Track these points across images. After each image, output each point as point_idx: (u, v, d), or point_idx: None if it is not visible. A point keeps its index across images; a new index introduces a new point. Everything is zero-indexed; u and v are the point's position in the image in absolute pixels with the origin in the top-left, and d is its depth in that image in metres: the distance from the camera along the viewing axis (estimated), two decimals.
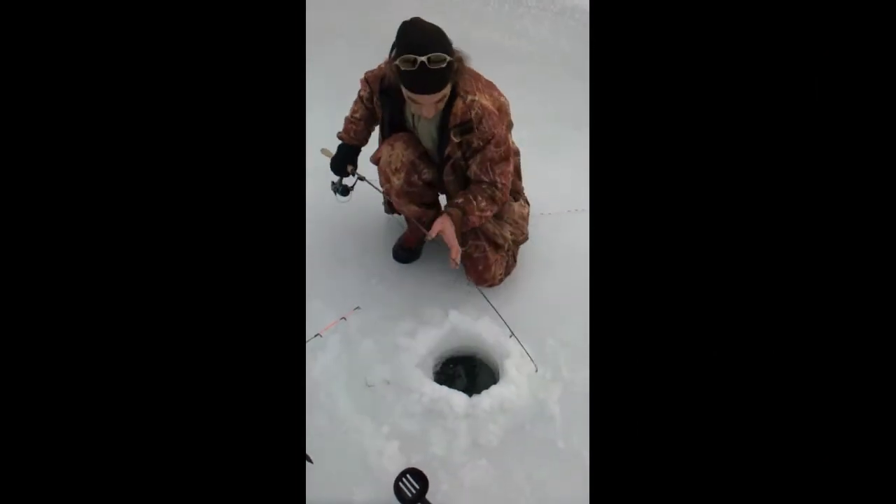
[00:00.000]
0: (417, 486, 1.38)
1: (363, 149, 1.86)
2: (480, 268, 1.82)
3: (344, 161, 1.80)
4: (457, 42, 1.47)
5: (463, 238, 1.82)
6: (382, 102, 1.68)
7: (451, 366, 1.80)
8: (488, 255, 1.80)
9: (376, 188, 1.80)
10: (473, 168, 1.62)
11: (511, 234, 1.81)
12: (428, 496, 1.38)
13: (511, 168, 1.67)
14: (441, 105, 1.52)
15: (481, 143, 1.57)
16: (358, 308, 1.83)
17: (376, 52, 1.76)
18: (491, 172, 1.61)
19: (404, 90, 1.48)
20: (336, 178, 1.82)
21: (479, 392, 1.63)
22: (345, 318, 1.78)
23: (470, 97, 1.53)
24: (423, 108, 1.50)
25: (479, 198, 1.62)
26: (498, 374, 1.71)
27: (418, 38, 1.40)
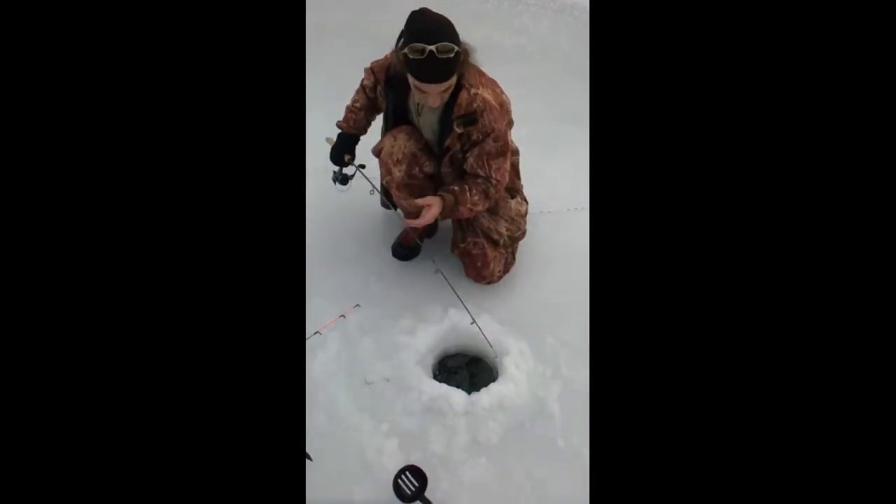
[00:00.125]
0: (416, 484, 1.38)
1: (366, 141, 1.87)
2: (479, 265, 1.83)
3: (342, 151, 1.81)
4: None
5: (462, 235, 1.83)
6: (387, 92, 1.69)
7: (451, 363, 1.80)
8: (487, 253, 1.81)
9: (371, 184, 1.80)
10: (470, 161, 1.63)
11: (507, 231, 1.82)
12: (427, 494, 1.38)
13: (508, 165, 1.68)
14: (446, 95, 1.53)
15: (480, 137, 1.58)
16: (357, 306, 1.83)
17: (376, 51, 1.76)
18: (487, 167, 1.62)
19: (411, 79, 1.48)
20: (336, 168, 1.83)
21: (478, 390, 1.63)
22: (344, 316, 1.78)
23: (474, 90, 1.54)
24: (429, 98, 1.51)
25: (474, 191, 1.63)
26: (497, 371, 1.71)
27: (427, 27, 1.42)
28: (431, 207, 1.59)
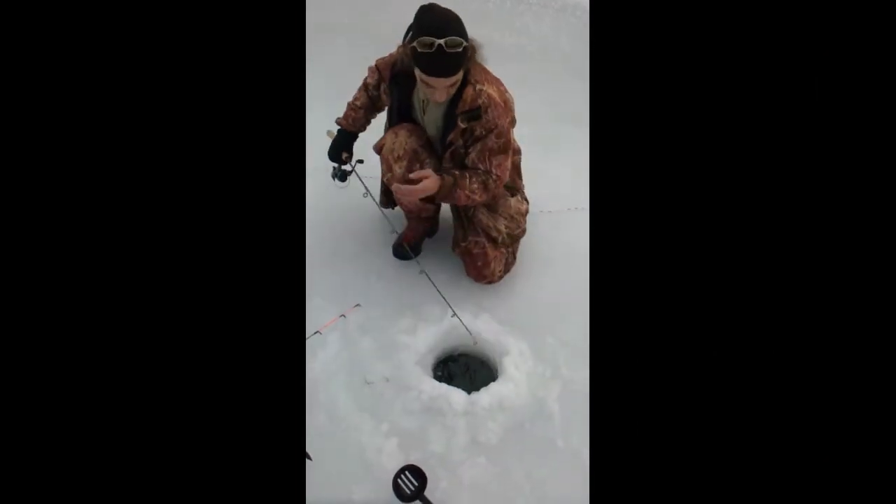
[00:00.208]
0: (416, 483, 1.38)
1: (365, 139, 1.87)
2: (479, 264, 1.83)
3: (340, 148, 1.82)
4: None
5: (463, 234, 1.83)
6: (391, 89, 1.70)
7: (451, 363, 1.80)
8: (487, 252, 1.81)
9: (365, 186, 1.80)
10: (472, 156, 1.64)
11: (506, 228, 1.82)
12: (426, 493, 1.38)
13: (509, 162, 1.68)
14: (452, 90, 1.54)
15: (483, 132, 1.59)
16: (358, 305, 1.83)
17: (376, 51, 1.76)
18: (488, 162, 1.63)
19: (419, 73, 1.50)
20: (335, 165, 1.83)
21: (478, 389, 1.63)
22: (344, 316, 1.78)
23: (479, 86, 1.56)
24: (436, 93, 1.52)
25: (473, 179, 1.64)
26: (497, 371, 1.71)
27: (437, 21, 1.44)
28: (428, 179, 1.59)
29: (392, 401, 1.61)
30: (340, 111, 1.87)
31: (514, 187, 1.87)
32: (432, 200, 1.84)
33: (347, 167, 1.81)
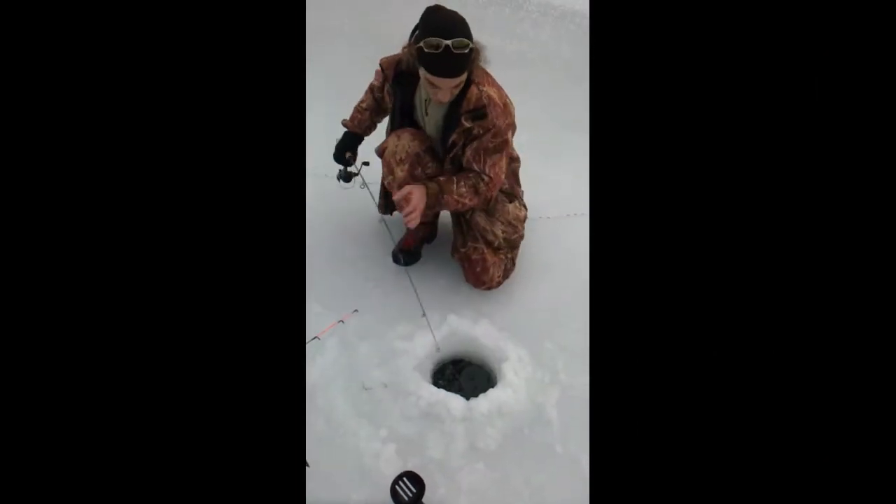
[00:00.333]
0: (414, 490, 1.37)
1: (369, 141, 1.89)
2: (478, 270, 1.83)
3: (344, 148, 1.83)
4: None
5: (462, 240, 1.83)
6: (394, 89, 1.71)
7: (450, 368, 1.80)
8: (486, 258, 1.81)
9: (368, 188, 1.81)
10: (468, 154, 1.64)
11: (503, 233, 1.82)
12: (425, 500, 1.37)
13: (504, 163, 1.69)
14: (456, 91, 1.56)
15: (481, 132, 1.60)
16: (356, 311, 1.82)
17: (376, 52, 1.76)
18: (482, 162, 1.64)
19: (424, 73, 1.51)
20: (341, 168, 1.85)
21: (476, 395, 1.62)
22: (343, 321, 1.77)
23: (482, 87, 1.58)
24: (440, 93, 1.53)
25: (462, 183, 1.64)
26: (495, 377, 1.71)
27: (444, 22, 1.45)
28: (413, 193, 1.60)
29: (390, 406, 1.61)
30: (340, 112, 1.87)
31: (513, 194, 1.87)
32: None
33: (352, 169, 1.82)
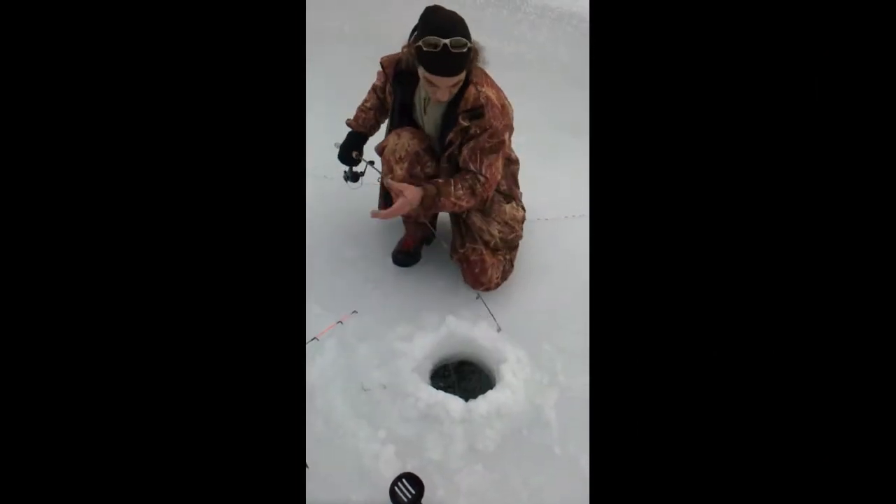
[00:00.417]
0: (413, 491, 1.37)
1: (374, 142, 1.89)
2: (477, 271, 1.83)
3: (350, 148, 1.84)
4: None
5: (461, 241, 1.83)
6: (394, 87, 1.72)
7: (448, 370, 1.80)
8: (485, 259, 1.81)
9: (380, 171, 1.82)
10: (464, 154, 1.65)
11: (499, 233, 1.82)
12: (424, 501, 1.37)
13: (500, 164, 1.70)
14: (455, 90, 1.57)
15: (478, 131, 1.61)
16: (355, 312, 1.82)
17: (376, 52, 1.77)
18: (479, 162, 1.64)
19: (422, 72, 1.52)
20: (346, 168, 1.86)
21: (475, 397, 1.62)
22: (342, 322, 1.77)
23: (480, 87, 1.59)
24: (439, 92, 1.54)
25: (458, 185, 1.65)
26: (494, 378, 1.71)
27: (443, 22, 1.47)
28: (405, 192, 1.60)
29: (389, 408, 1.61)
30: (340, 112, 1.88)
31: (511, 195, 1.87)
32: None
33: (358, 168, 1.82)
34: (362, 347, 1.74)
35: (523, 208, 1.92)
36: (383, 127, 1.91)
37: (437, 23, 1.47)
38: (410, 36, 1.54)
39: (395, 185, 1.63)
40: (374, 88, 1.86)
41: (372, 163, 1.83)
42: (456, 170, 1.71)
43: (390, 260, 2.00)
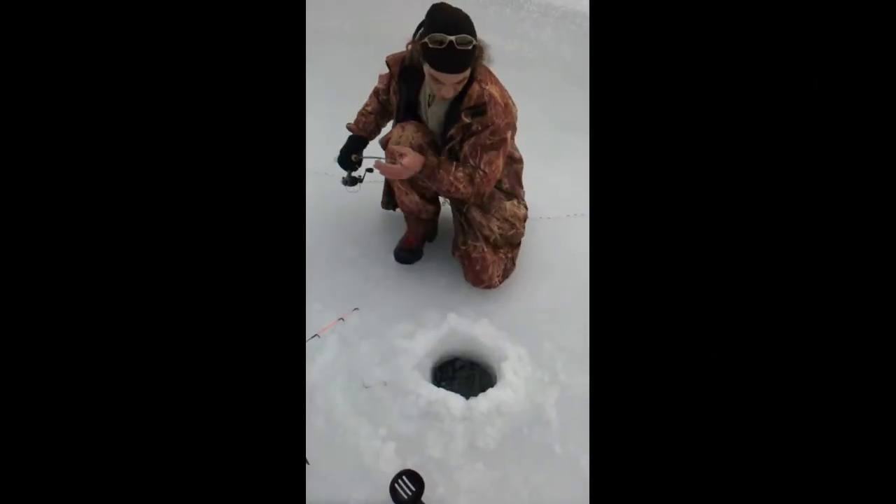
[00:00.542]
0: (413, 489, 1.38)
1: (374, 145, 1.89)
2: (478, 268, 1.83)
3: (349, 151, 1.85)
4: None
5: (463, 238, 1.84)
6: (399, 85, 1.73)
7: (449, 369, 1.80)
8: (486, 256, 1.81)
9: (382, 159, 1.81)
10: (465, 149, 1.66)
11: (499, 229, 1.82)
12: (424, 498, 1.37)
13: (500, 161, 1.70)
14: (459, 87, 1.58)
15: (480, 128, 1.62)
16: (356, 309, 1.83)
17: (376, 52, 1.77)
18: (479, 158, 1.65)
19: (428, 69, 1.53)
20: (345, 174, 1.86)
21: (476, 395, 1.63)
22: (343, 319, 1.78)
23: (484, 85, 1.60)
24: (444, 89, 1.55)
25: (459, 169, 1.66)
26: (495, 377, 1.71)
27: (449, 19, 1.48)
28: (411, 155, 1.61)
29: (390, 405, 1.61)
30: (340, 112, 1.88)
31: (513, 193, 1.88)
32: (433, 201, 1.84)
33: (356, 173, 1.83)
34: (363, 345, 1.74)
35: (525, 206, 1.93)
36: (385, 131, 1.91)
37: (444, 20, 1.48)
38: (416, 33, 1.55)
39: (398, 149, 1.64)
40: (375, 92, 1.87)
41: (371, 170, 1.83)
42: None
43: (391, 257, 2.00)
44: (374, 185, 1.95)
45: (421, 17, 1.53)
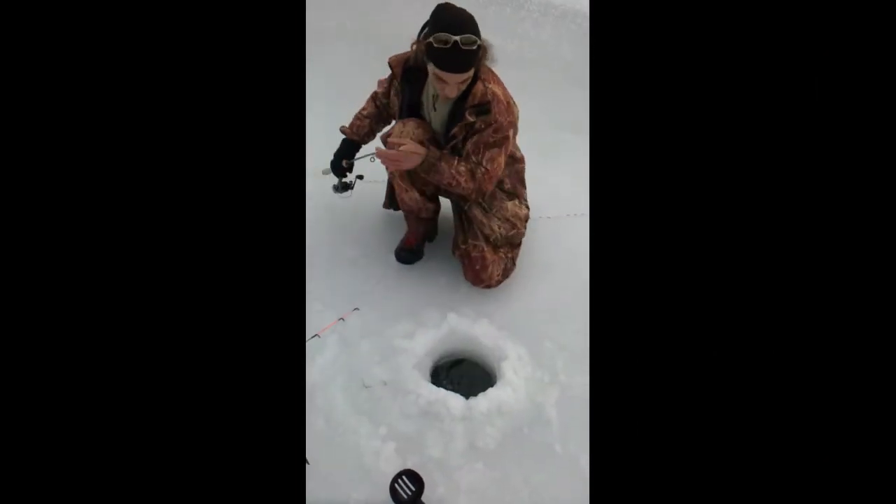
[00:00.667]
0: (413, 488, 1.38)
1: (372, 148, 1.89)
2: (478, 267, 1.83)
3: (342, 155, 1.85)
4: None
5: (463, 237, 1.84)
6: (402, 86, 1.73)
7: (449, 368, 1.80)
8: (486, 256, 1.81)
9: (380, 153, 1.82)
10: (468, 147, 1.66)
11: (500, 228, 1.83)
12: (424, 498, 1.38)
13: (502, 158, 1.70)
14: (463, 87, 1.58)
15: (483, 126, 1.62)
16: (356, 309, 1.83)
17: (376, 52, 1.77)
18: (481, 154, 1.66)
19: (432, 69, 1.54)
20: (336, 181, 1.86)
21: (476, 394, 1.63)
22: (343, 319, 1.78)
23: (487, 84, 1.61)
24: (448, 88, 1.55)
25: (461, 163, 1.66)
26: (495, 376, 1.71)
27: (454, 19, 1.49)
28: (411, 144, 1.62)
29: (390, 405, 1.61)
30: (340, 112, 1.88)
31: (515, 193, 1.88)
32: (433, 199, 1.84)
33: (347, 180, 1.83)
34: (363, 344, 1.74)
35: (527, 206, 1.93)
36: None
37: (448, 20, 1.48)
38: (420, 32, 1.55)
39: (398, 140, 1.64)
40: (373, 97, 1.87)
41: (361, 177, 1.84)
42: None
43: (391, 257, 2.00)
44: (375, 185, 1.96)
45: (421, 17, 1.53)
